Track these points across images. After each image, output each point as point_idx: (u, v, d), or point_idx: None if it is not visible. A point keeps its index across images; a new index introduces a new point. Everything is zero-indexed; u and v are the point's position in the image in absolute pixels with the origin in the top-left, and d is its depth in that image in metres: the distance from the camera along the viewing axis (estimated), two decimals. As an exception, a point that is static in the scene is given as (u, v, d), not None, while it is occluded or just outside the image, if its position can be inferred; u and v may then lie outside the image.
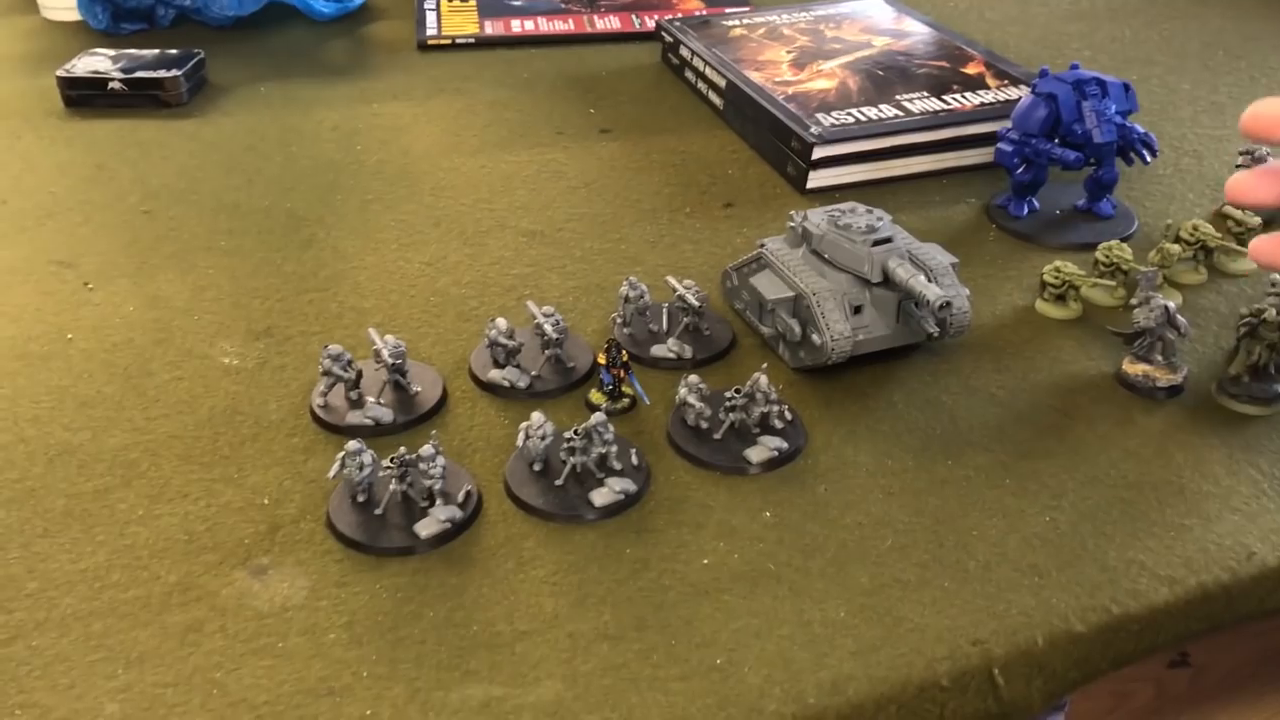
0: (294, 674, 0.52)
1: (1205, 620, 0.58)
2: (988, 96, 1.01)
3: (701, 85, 1.14)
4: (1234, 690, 0.74)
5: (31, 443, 0.66)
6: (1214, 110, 1.12)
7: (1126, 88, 0.89)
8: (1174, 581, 0.57)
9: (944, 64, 1.08)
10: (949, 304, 0.66)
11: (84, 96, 1.09)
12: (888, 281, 0.69)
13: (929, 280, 0.69)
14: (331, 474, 0.60)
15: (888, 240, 0.69)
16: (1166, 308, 0.70)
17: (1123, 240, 0.85)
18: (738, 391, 0.66)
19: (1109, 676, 0.60)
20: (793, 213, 0.73)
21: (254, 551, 0.59)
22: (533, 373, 0.71)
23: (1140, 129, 0.88)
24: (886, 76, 1.05)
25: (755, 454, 0.64)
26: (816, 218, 0.71)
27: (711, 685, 0.51)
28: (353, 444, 0.60)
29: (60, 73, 1.10)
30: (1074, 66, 0.89)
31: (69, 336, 0.76)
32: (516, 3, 1.36)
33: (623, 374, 0.68)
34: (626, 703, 0.51)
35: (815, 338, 0.68)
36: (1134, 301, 0.72)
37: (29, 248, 0.86)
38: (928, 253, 0.71)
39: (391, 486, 0.60)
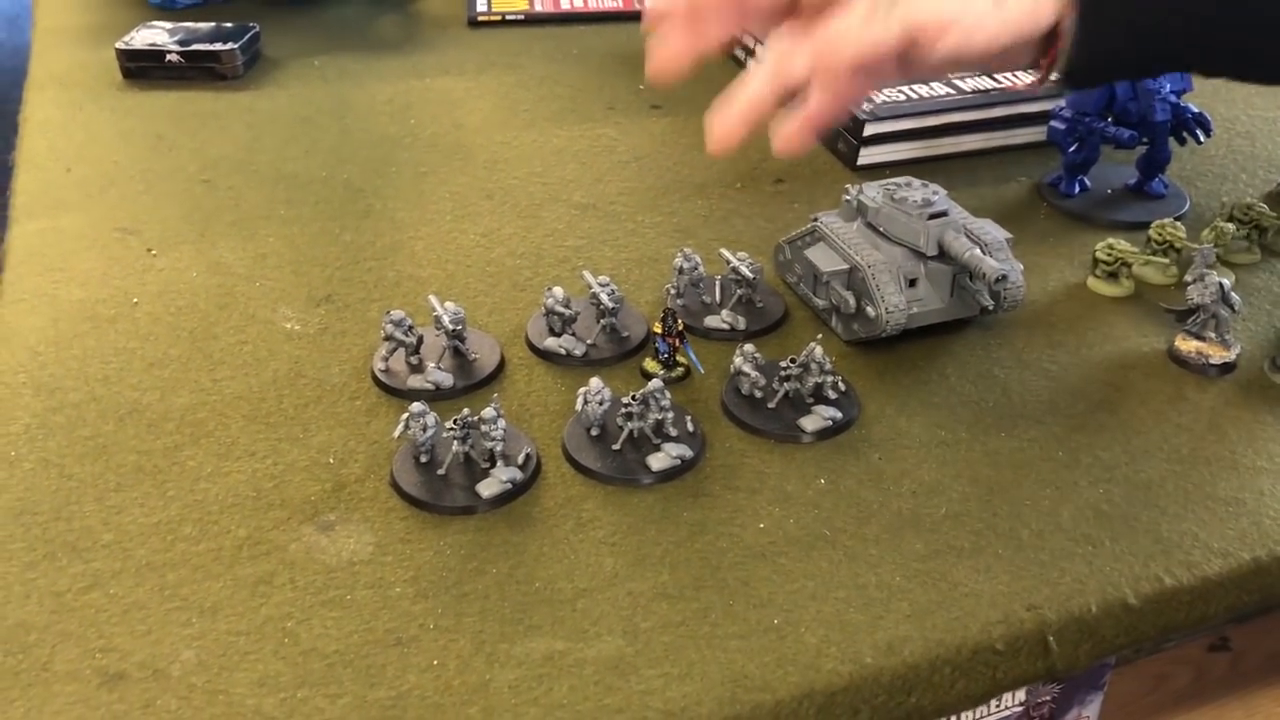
0: (362, 625, 0.53)
1: (1257, 594, 0.58)
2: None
3: (752, 62, 1.14)
4: (1274, 674, 0.74)
5: (102, 401, 0.68)
6: (1267, 92, 1.11)
7: (1182, 67, 0.88)
8: (1227, 554, 0.58)
9: (995, 43, 1.08)
10: (1005, 277, 0.66)
11: (142, 68, 1.11)
12: (943, 255, 0.70)
13: (984, 254, 0.69)
14: (395, 435, 0.62)
15: (943, 214, 0.70)
16: (1221, 284, 0.70)
17: (1175, 220, 0.85)
18: (793, 361, 0.66)
19: (1149, 659, 0.61)
20: (848, 186, 0.74)
21: (320, 508, 0.60)
22: (588, 341, 0.72)
23: (1194, 108, 0.87)
24: (937, 55, 1.05)
25: (809, 423, 0.65)
26: (872, 191, 0.72)
27: (769, 644, 0.52)
28: (416, 406, 0.61)
29: (119, 45, 1.11)
30: (1129, 45, 0.89)
31: (134, 300, 0.77)
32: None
33: (678, 343, 0.69)
34: (686, 659, 0.52)
35: (870, 310, 0.69)
36: (1189, 278, 0.72)
37: (94, 214, 0.88)
38: (982, 228, 0.71)
39: (454, 448, 0.61)
